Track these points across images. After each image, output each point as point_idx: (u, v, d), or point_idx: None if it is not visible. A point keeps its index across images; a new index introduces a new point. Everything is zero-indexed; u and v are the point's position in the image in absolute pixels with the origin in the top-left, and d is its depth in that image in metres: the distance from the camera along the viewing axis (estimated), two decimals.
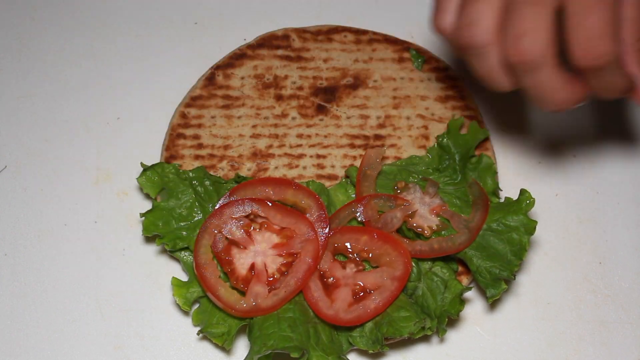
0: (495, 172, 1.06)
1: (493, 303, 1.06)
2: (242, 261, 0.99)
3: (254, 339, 0.97)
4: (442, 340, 1.04)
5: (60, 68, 1.16)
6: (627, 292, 1.07)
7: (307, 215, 1.01)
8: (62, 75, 1.16)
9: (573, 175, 1.13)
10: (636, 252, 1.09)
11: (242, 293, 0.98)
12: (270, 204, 1.01)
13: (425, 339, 1.04)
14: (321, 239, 1.00)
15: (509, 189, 1.09)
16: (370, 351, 0.97)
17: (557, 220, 1.10)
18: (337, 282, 0.99)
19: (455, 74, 1.14)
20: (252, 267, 0.99)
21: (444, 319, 0.97)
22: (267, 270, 0.99)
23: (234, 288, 0.98)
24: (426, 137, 1.10)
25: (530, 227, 0.99)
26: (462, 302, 0.98)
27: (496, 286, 0.98)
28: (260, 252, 1.00)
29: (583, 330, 1.05)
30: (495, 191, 1.04)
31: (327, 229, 1.00)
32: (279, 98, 1.12)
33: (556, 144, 1.14)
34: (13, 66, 1.16)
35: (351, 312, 0.97)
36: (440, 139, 1.06)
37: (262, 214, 1.00)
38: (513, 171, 1.13)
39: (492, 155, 1.09)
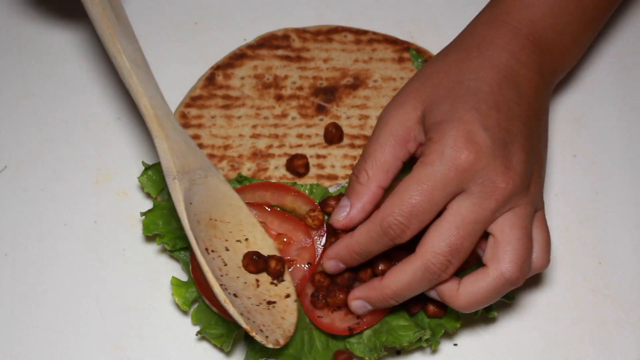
0: None
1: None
2: None
3: (250, 343, 0.96)
4: (435, 351, 1.03)
5: (60, 68, 1.16)
6: (627, 292, 1.07)
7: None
8: (62, 75, 1.16)
9: (573, 175, 1.13)
10: (636, 252, 1.09)
11: None
12: (268, 209, 1.01)
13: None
14: (318, 247, 1.00)
15: None
16: (367, 358, 0.97)
17: (557, 220, 1.10)
18: None
19: None
20: None
21: (439, 332, 0.97)
22: None
23: None
24: None
25: None
26: (459, 318, 0.98)
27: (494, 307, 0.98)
28: None
29: (583, 330, 1.05)
30: None
31: (325, 237, 1.00)
32: (279, 98, 1.12)
33: (556, 143, 1.14)
34: (13, 66, 1.16)
35: (347, 320, 0.97)
36: None
37: (260, 219, 1.00)
38: None
39: None
